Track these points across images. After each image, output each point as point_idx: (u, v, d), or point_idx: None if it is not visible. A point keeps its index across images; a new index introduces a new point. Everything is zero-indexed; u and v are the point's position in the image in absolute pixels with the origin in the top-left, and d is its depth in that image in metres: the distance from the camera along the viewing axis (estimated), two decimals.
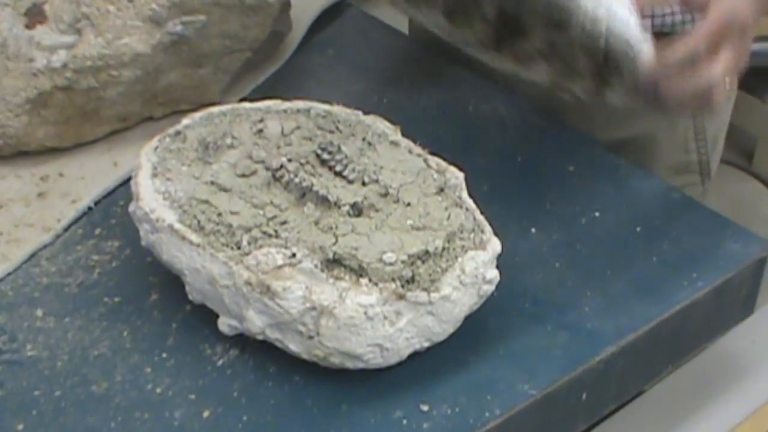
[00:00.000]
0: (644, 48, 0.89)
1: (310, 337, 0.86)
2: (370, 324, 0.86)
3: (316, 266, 0.87)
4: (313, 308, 0.85)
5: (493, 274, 0.90)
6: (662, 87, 0.90)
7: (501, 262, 0.92)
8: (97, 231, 1.05)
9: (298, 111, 1.02)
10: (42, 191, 1.09)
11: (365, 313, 0.86)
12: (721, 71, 0.90)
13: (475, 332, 0.93)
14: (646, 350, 0.95)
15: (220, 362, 0.92)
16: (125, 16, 1.08)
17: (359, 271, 0.87)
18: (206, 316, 0.93)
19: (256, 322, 0.88)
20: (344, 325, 0.86)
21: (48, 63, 1.08)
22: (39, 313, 0.97)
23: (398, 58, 1.27)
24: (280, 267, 0.86)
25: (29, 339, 0.94)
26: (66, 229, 1.05)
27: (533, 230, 1.03)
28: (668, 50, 0.90)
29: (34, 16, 1.10)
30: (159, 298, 0.97)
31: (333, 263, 0.87)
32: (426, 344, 0.89)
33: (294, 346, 0.88)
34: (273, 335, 0.88)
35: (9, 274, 1.00)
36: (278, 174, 0.93)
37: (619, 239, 1.02)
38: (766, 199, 2.49)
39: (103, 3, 1.08)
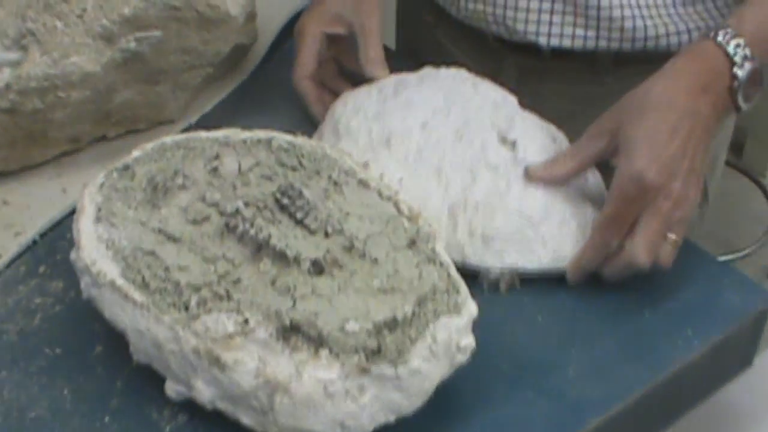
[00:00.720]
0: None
1: (264, 413, 0.78)
2: (330, 401, 0.78)
3: (270, 335, 0.78)
4: (267, 383, 0.77)
5: (468, 341, 0.82)
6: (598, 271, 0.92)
7: (481, 319, 0.83)
8: (41, 269, 0.96)
9: (259, 142, 0.93)
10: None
11: (324, 389, 0.77)
12: (645, 244, 0.89)
13: (447, 399, 0.85)
14: (636, 418, 0.87)
15: (167, 429, 0.83)
16: (73, 32, 0.99)
17: (319, 341, 0.78)
18: (154, 374, 0.84)
19: (204, 393, 0.80)
20: (301, 402, 0.78)
21: (10, 77, 0.98)
22: None
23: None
24: (230, 336, 0.78)
25: None
26: (8, 266, 0.97)
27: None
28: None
29: None
30: (103, 350, 0.89)
31: (290, 331, 0.79)
32: (392, 417, 0.80)
33: (247, 420, 0.80)
34: (224, 406, 0.80)
35: None
36: (232, 224, 0.84)
37: (607, 289, 0.94)
38: (755, 195, 2.41)
39: (50, 18, 0.99)
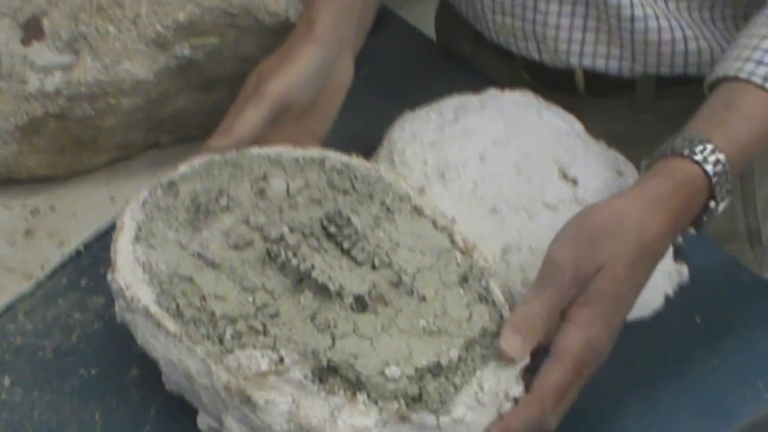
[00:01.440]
0: None
1: None
2: None
3: (306, 376, 0.74)
4: (300, 427, 0.73)
5: (518, 390, 0.76)
6: None
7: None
8: (84, 282, 0.94)
9: (312, 161, 0.88)
10: (29, 228, 0.98)
11: None
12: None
13: None
14: None
15: None
16: (126, 38, 0.96)
17: (357, 385, 0.74)
18: (188, 403, 0.81)
19: (234, 430, 0.76)
20: None
21: (41, 86, 0.96)
22: (6, 381, 0.86)
23: (444, 79, 1.12)
24: (264, 374, 0.74)
25: None
26: (50, 277, 0.94)
27: None
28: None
29: (32, 31, 0.98)
30: (139, 373, 0.86)
31: (327, 372, 0.74)
32: None
33: None
34: None
35: None
36: (274, 252, 0.80)
37: (672, 331, 0.88)
38: None
39: (102, 22, 0.96)
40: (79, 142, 0.99)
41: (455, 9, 1.15)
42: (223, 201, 0.84)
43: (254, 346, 0.75)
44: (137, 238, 0.82)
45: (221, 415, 0.76)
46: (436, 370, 0.75)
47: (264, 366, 0.74)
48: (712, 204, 0.82)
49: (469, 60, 1.17)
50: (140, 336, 0.79)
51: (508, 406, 0.76)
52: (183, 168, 0.87)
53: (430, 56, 1.17)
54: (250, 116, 0.89)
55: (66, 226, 0.98)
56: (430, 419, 0.73)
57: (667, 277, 0.89)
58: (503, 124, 0.93)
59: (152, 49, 0.96)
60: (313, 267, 0.79)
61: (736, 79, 0.84)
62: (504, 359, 0.76)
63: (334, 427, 0.72)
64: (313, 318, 0.77)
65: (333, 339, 0.75)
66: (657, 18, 1.00)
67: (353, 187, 0.87)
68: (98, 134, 0.99)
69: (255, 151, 0.89)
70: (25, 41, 0.98)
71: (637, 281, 0.79)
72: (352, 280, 0.79)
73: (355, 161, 0.89)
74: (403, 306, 0.78)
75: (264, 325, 0.76)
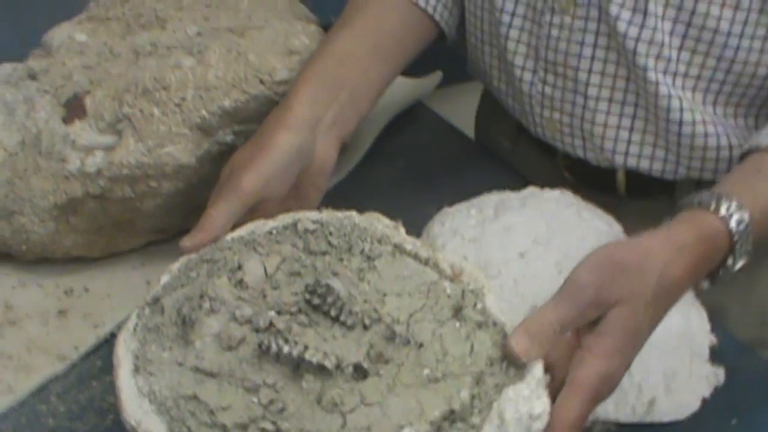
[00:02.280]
0: None
1: None
2: None
3: None
4: None
5: (542, 407, 0.75)
6: None
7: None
8: None
9: (285, 229, 0.88)
10: (63, 308, 0.97)
11: None
12: None
13: None
14: None
15: None
16: (170, 121, 0.96)
17: None
18: None
19: None
20: None
21: (81, 166, 0.96)
22: None
23: (481, 176, 1.13)
24: None
25: None
26: (83, 359, 0.94)
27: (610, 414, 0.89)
28: None
29: (74, 110, 0.98)
30: None
31: None
32: None
33: None
34: None
35: (13, 408, 0.89)
36: (265, 344, 0.78)
37: (708, 423, 0.88)
38: None
39: (147, 104, 0.96)
40: (116, 224, 0.99)
41: (498, 104, 1.16)
42: (206, 304, 0.83)
43: None
44: (136, 370, 0.81)
45: None
46: (451, 417, 0.74)
47: None
48: (730, 260, 0.85)
49: (508, 157, 1.18)
50: None
51: (537, 425, 0.75)
52: (164, 278, 0.87)
53: (466, 152, 1.19)
54: (222, 213, 0.89)
55: (100, 308, 0.97)
56: None
57: (704, 379, 0.90)
58: (544, 223, 0.94)
59: (195, 134, 0.97)
60: (306, 349, 0.78)
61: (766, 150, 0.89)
62: (511, 359, 0.76)
63: None
64: (319, 401, 0.76)
65: (343, 418, 0.75)
66: (705, 123, 1.02)
67: (330, 244, 0.86)
68: (136, 216, 0.99)
69: (229, 237, 0.89)
70: (67, 120, 0.98)
71: (654, 321, 0.81)
72: (349, 348, 0.78)
73: (326, 215, 0.89)
74: (403, 359, 0.78)
75: (275, 423, 0.75)
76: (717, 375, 0.91)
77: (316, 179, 0.97)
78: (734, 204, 0.84)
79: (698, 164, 1.04)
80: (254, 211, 0.91)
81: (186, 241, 0.88)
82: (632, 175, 1.08)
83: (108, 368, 0.91)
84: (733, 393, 0.90)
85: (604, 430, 0.87)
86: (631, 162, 1.06)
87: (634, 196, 1.09)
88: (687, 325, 0.91)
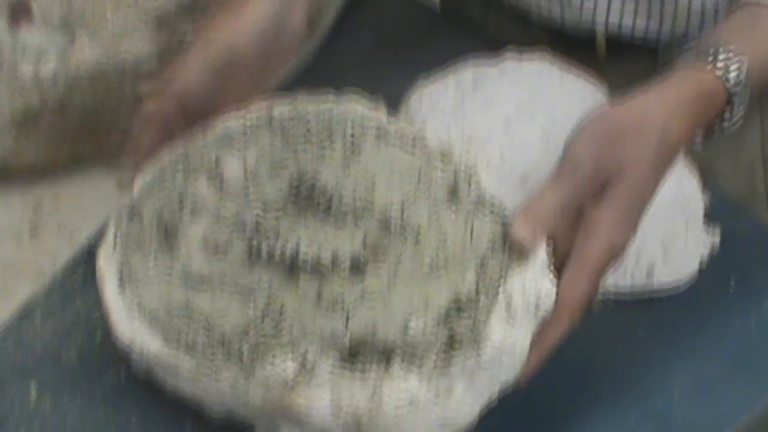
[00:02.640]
0: None
1: None
2: (421, 411, 0.71)
3: (334, 365, 0.71)
4: (348, 416, 0.71)
5: (548, 288, 0.74)
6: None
7: (576, 334, 0.76)
8: None
9: (259, 121, 0.83)
10: (35, 225, 0.94)
11: (410, 403, 0.71)
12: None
13: (546, 424, 0.79)
14: None
15: None
16: (125, 15, 0.91)
17: (386, 353, 0.71)
18: None
19: None
20: (391, 424, 0.71)
21: (36, 74, 0.91)
22: (33, 390, 0.83)
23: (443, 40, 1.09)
24: (294, 380, 0.71)
25: (22, 427, 0.80)
26: (63, 275, 0.90)
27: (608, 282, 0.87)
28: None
29: (19, 14, 0.93)
30: None
31: (353, 349, 0.72)
32: (495, 392, 0.73)
33: None
34: None
35: None
36: (256, 245, 0.76)
37: (709, 299, 0.87)
38: None
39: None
40: (79, 132, 0.95)
41: None
42: (187, 208, 0.80)
43: (274, 354, 0.72)
44: (122, 285, 0.78)
45: (276, 429, 0.74)
46: (457, 305, 0.73)
47: (291, 372, 0.71)
48: (727, 115, 0.83)
49: (477, 25, 1.13)
50: (165, 382, 0.77)
51: (544, 307, 0.74)
52: (138, 185, 0.83)
53: (434, 22, 1.13)
54: (192, 62, 0.84)
55: (73, 219, 0.94)
56: (471, 357, 0.71)
57: (700, 242, 0.89)
58: (526, 92, 0.92)
59: (153, 27, 0.92)
60: (298, 246, 0.75)
61: (758, 4, 0.86)
62: (515, 246, 0.74)
63: (380, 405, 0.71)
64: (318, 299, 0.74)
65: (346, 315, 0.73)
66: None
67: (309, 132, 0.82)
68: (100, 123, 0.95)
69: (199, 138, 0.84)
70: (13, 25, 0.93)
71: (657, 183, 0.78)
72: (342, 242, 0.76)
73: (301, 102, 0.84)
74: (401, 249, 0.75)
75: (275, 326, 0.73)
76: (713, 237, 0.89)
77: (287, 52, 0.92)
78: (732, 54, 0.81)
79: (683, 23, 1.00)
80: (223, 79, 0.85)
81: (146, 87, 0.84)
82: (612, 40, 1.04)
83: (90, 282, 0.88)
84: (730, 254, 0.90)
85: (602, 303, 0.87)
86: (613, 19, 1.02)
87: (615, 57, 1.05)
88: (680, 188, 0.89)
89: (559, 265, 0.75)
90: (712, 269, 0.89)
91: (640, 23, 1.01)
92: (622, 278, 0.86)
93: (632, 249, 0.85)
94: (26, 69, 0.91)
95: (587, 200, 0.76)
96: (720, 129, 0.83)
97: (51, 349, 0.85)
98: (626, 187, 0.75)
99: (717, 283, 0.88)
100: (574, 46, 1.04)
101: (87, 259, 0.91)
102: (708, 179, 0.94)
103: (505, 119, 0.90)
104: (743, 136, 1.03)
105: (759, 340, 0.85)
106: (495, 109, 0.91)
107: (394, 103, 0.94)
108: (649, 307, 0.87)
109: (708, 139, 0.84)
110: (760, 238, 0.92)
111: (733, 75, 0.81)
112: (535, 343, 0.73)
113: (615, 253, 0.76)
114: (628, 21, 1.02)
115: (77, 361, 0.84)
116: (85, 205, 0.95)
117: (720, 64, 0.81)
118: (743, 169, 1.05)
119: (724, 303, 0.87)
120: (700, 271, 0.88)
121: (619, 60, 1.05)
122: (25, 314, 0.88)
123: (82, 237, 0.92)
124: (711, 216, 0.91)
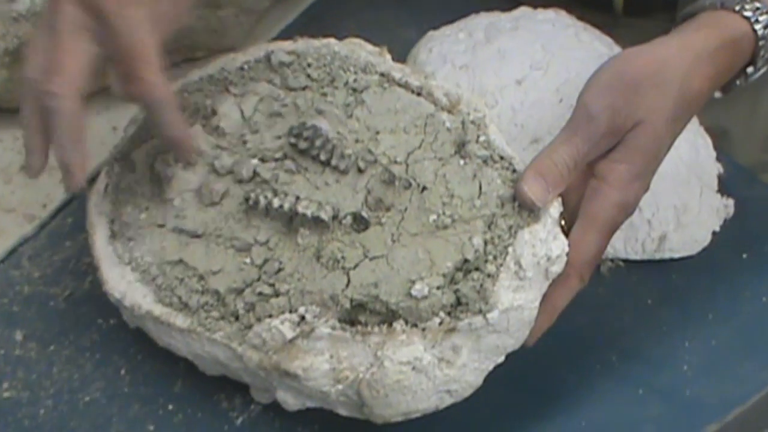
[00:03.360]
0: None
1: (359, 407, 0.69)
2: (425, 376, 0.68)
3: (334, 326, 0.68)
4: (348, 380, 0.68)
5: (560, 248, 0.70)
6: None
7: (584, 299, 0.73)
8: None
9: (258, 63, 0.79)
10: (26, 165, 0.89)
11: (413, 368, 0.68)
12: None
13: (550, 393, 0.76)
14: (759, 425, 0.79)
15: (239, 420, 0.75)
16: None
17: (389, 315, 0.68)
18: None
19: (289, 401, 0.71)
20: (393, 389, 0.68)
21: (31, 5, 0.87)
22: (18, 336, 0.80)
23: None
24: (291, 342, 0.68)
25: (7, 373, 0.78)
26: (53, 217, 0.87)
27: (619, 252, 0.85)
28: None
29: None
30: None
31: (353, 313, 0.69)
32: (500, 359, 0.70)
33: (345, 412, 0.71)
34: (316, 405, 0.71)
35: None
36: (253, 199, 0.72)
37: (721, 269, 0.84)
38: None
39: None
40: None
41: None
42: None
43: (271, 315, 0.69)
44: (113, 236, 0.76)
45: (271, 390, 0.72)
46: (465, 266, 0.69)
47: (288, 333, 0.68)
48: (751, 69, 0.77)
49: None
50: (158, 339, 0.74)
51: (555, 268, 0.70)
52: (130, 129, 0.80)
53: None
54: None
55: None
56: (477, 321, 0.68)
57: (714, 212, 0.86)
58: (540, 47, 0.88)
59: None
60: (298, 200, 0.71)
61: None
62: (524, 205, 0.70)
63: (382, 369, 0.67)
64: (318, 257, 0.70)
65: (347, 275, 0.69)
66: None
67: (309, 77, 0.78)
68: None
69: (196, 75, 0.80)
70: None
71: (674, 137, 0.74)
72: (344, 196, 0.72)
73: (302, 44, 0.80)
74: (406, 204, 0.71)
75: (273, 285, 0.70)
76: (726, 207, 0.87)
77: None
78: (760, 5, 0.75)
79: None
80: None
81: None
82: None
83: (81, 225, 0.86)
84: (743, 225, 0.87)
85: (613, 267, 0.84)
86: None
87: (632, 14, 1.01)
88: (695, 155, 0.86)
89: (569, 221, 0.72)
90: (725, 239, 0.86)
91: None
92: (633, 247, 0.83)
93: (644, 218, 0.83)
94: (20, 4, 0.87)
95: (601, 155, 0.72)
96: (744, 79, 0.78)
97: (38, 294, 0.82)
98: (642, 142, 0.71)
99: (729, 255, 0.85)
100: (591, 3, 1.00)
101: (79, 202, 0.88)
102: (721, 146, 0.91)
103: (517, 75, 0.86)
104: (758, 100, 1.00)
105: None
106: (508, 63, 0.87)
107: (400, 56, 0.91)
108: (659, 273, 0.84)
109: (728, 92, 0.79)
110: None
111: (763, 18, 0.75)
112: (543, 303, 0.70)
113: (626, 210, 0.72)
114: None
115: (65, 307, 0.82)
116: None
117: (748, 5, 0.75)
118: (757, 136, 1.01)
119: (736, 271, 0.84)
120: (713, 239, 0.85)
121: (638, 13, 1.00)
122: (12, 256, 0.85)
123: None
124: (724, 184, 0.88)
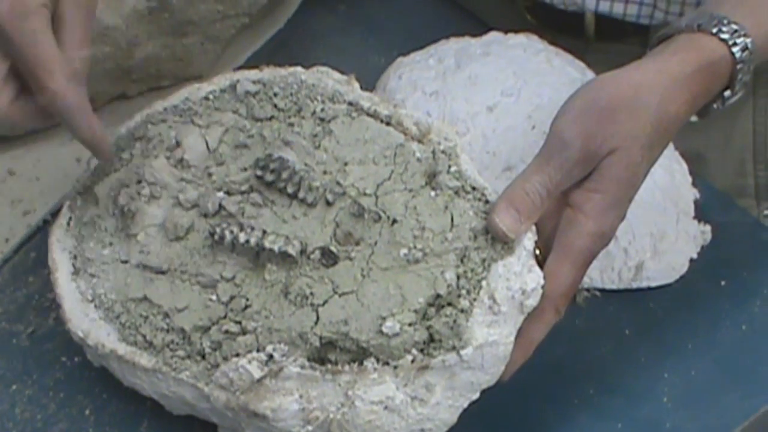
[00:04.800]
0: None
1: None
2: (397, 415, 0.67)
3: (303, 365, 0.66)
4: (318, 421, 0.66)
5: (535, 281, 0.68)
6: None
7: (560, 331, 0.71)
8: None
9: (223, 93, 0.78)
10: None
11: (386, 407, 0.66)
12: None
13: (528, 430, 0.75)
14: None
15: None
16: None
17: (359, 353, 0.67)
18: None
19: None
20: (365, 431, 0.67)
21: None
22: None
23: (434, 22, 1.02)
24: (259, 382, 0.66)
25: None
26: (16, 251, 0.85)
27: (595, 281, 0.83)
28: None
29: None
30: None
31: (323, 351, 0.67)
32: (475, 396, 0.68)
33: None
34: None
35: None
36: (218, 234, 0.70)
37: (699, 297, 0.83)
38: None
39: None
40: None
41: None
42: (145, 190, 0.74)
43: (238, 353, 0.67)
44: (75, 272, 0.74)
45: (240, 430, 0.69)
46: (437, 302, 0.67)
47: (256, 373, 0.66)
48: (728, 92, 0.75)
49: (460, 3, 1.07)
50: (123, 378, 0.72)
51: (530, 301, 0.68)
52: (93, 161, 0.77)
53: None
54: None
55: (29, 193, 0.88)
56: (451, 358, 0.66)
57: (691, 239, 0.84)
58: (512, 72, 0.86)
59: None
60: (264, 234, 0.69)
61: None
62: (497, 237, 0.68)
63: (353, 409, 0.66)
64: (286, 293, 0.68)
65: (316, 312, 0.67)
66: None
67: (275, 107, 0.76)
68: None
69: (160, 105, 0.79)
70: None
71: (650, 164, 0.72)
72: (312, 230, 0.70)
73: (268, 73, 0.78)
74: (376, 238, 0.69)
75: (239, 323, 0.68)
76: (704, 233, 0.85)
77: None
78: (737, 27, 0.73)
79: (677, 8, 0.94)
80: None
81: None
82: (601, 18, 0.96)
83: (44, 260, 0.83)
84: (720, 251, 0.85)
85: (590, 297, 0.82)
86: (603, 7, 0.95)
87: (604, 39, 0.99)
88: (671, 181, 0.85)
89: (545, 250, 0.70)
90: (702, 264, 0.84)
91: (632, 8, 0.95)
92: (609, 276, 0.82)
93: (621, 246, 0.82)
94: None
95: (575, 183, 0.70)
96: (722, 103, 0.76)
97: (1, 331, 0.80)
98: (617, 170, 0.69)
99: (707, 279, 0.84)
100: (563, 22, 0.98)
101: (42, 236, 0.86)
102: (697, 171, 0.90)
103: (489, 101, 0.85)
104: (733, 124, 0.98)
105: (747, 343, 0.80)
106: (479, 89, 0.85)
107: (369, 83, 0.89)
108: (636, 302, 0.82)
109: (704, 116, 0.77)
110: (751, 231, 0.87)
111: (740, 41, 0.73)
112: (518, 338, 0.68)
113: (602, 240, 0.70)
114: (618, 7, 0.95)
115: (29, 344, 0.79)
116: (42, 178, 0.90)
117: (725, 28, 0.73)
118: (733, 160, 0.99)
119: (714, 299, 0.82)
120: (690, 266, 0.84)
121: (609, 45, 0.98)
122: None
123: (38, 213, 0.87)
124: (701, 209, 0.86)
